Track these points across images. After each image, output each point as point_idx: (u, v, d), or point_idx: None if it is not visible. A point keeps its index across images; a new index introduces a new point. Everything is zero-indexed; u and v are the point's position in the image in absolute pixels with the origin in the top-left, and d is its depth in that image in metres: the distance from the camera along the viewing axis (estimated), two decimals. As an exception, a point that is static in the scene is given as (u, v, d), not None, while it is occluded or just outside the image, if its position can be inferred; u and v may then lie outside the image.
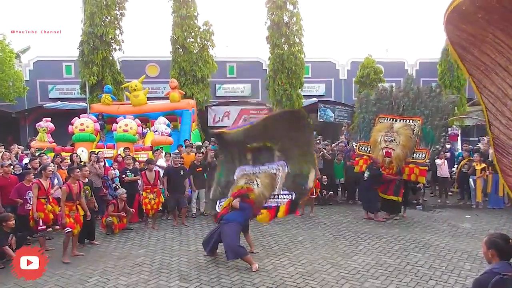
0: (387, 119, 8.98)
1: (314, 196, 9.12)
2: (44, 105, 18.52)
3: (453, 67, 19.61)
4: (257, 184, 6.34)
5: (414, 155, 8.44)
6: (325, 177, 10.02)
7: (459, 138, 16.30)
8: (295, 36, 17.85)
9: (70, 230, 6.14)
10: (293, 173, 6.24)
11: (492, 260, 2.61)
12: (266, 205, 6.22)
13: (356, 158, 9.34)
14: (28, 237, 6.87)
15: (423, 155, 8.36)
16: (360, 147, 9.34)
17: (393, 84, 9.73)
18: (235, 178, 6.72)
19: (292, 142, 6.32)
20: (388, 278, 5.24)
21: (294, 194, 6.11)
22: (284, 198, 6.15)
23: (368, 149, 9.06)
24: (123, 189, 8.14)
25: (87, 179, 7.19)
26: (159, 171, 8.61)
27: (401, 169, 8.42)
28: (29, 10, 44.12)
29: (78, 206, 6.36)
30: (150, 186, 8.04)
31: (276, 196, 6.24)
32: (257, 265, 5.63)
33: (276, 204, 6.16)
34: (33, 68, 19.91)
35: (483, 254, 2.73)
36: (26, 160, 9.65)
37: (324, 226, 7.95)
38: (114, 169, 9.23)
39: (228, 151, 7.09)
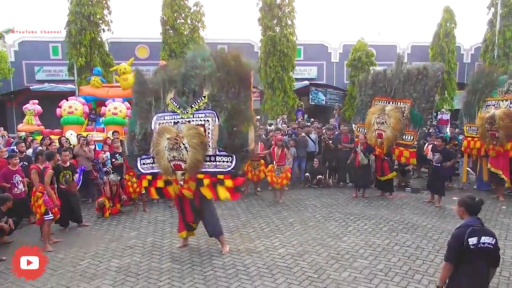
0: (381, 102, 9.33)
1: (286, 183, 8.74)
2: (30, 87, 18.10)
3: (444, 51, 19.63)
4: (185, 147, 5.25)
5: (404, 137, 8.78)
6: (316, 160, 10.13)
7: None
8: (287, 18, 17.59)
9: (52, 217, 6.01)
10: (228, 128, 5.23)
11: (463, 216, 3.25)
12: (204, 170, 5.33)
13: (356, 139, 9.49)
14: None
15: (411, 137, 8.70)
16: (358, 129, 9.80)
17: (386, 68, 9.88)
18: (153, 128, 5.63)
19: (228, 94, 5.31)
20: (376, 258, 5.35)
21: (234, 157, 5.24)
22: (223, 162, 5.28)
23: (365, 131, 9.38)
24: (118, 176, 8.05)
25: (68, 163, 6.92)
26: None
27: (391, 150, 8.86)
28: (29, 10, 42.69)
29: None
30: (132, 170, 8.00)
31: (213, 158, 5.31)
32: (228, 248, 5.68)
33: (215, 170, 5.29)
34: (18, 48, 19.31)
35: (456, 212, 3.40)
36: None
37: (314, 208, 8.05)
38: (105, 152, 9.13)
39: (142, 92, 5.86)
